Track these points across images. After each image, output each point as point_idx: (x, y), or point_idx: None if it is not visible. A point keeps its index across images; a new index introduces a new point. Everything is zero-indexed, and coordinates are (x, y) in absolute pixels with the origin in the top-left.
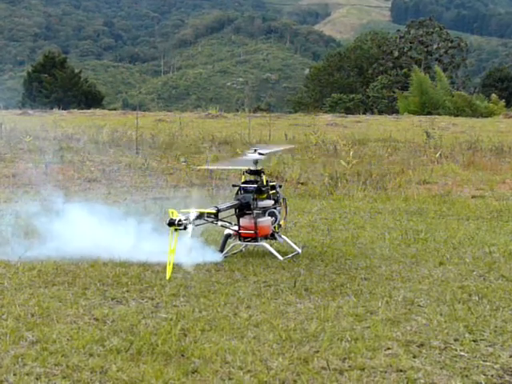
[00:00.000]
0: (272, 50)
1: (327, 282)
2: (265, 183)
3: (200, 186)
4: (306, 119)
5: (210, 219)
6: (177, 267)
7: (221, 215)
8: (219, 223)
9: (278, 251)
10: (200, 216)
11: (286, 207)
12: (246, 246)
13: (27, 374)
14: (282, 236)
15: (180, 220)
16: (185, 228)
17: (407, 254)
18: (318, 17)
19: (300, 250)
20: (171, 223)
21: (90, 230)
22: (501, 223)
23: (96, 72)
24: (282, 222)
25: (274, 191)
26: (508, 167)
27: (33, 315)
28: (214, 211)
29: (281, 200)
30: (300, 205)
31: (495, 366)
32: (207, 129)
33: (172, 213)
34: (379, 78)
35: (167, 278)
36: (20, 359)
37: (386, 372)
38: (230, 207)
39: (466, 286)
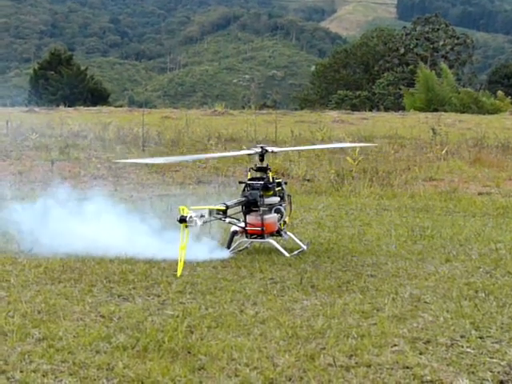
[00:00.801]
0: (278, 46)
1: (333, 278)
2: (271, 180)
3: (206, 183)
4: (312, 116)
5: (218, 216)
6: (185, 265)
7: (228, 212)
8: (227, 220)
9: (284, 248)
10: (210, 213)
11: (290, 204)
12: (251, 242)
13: (34, 371)
14: (288, 233)
15: (191, 217)
16: (195, 225)
17: (413, 251)
18: (324, 13)
19: (305, 247)
20: (182, 220)
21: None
22: (507, 220)
23: (102, 69)
24: (286, 219)
25: (279, 188)
26: None
27: (39, 312)
28: (223, 208)
29: (286, 197)
30: (306, 202)
31: (502, 363)
32: (213, 126)
33: (183, 209)
34: (385, 74)
35: (178, 274)
36: (27, 356)
37: (392, 369)
38: (238, 204)
39: (473, 282)
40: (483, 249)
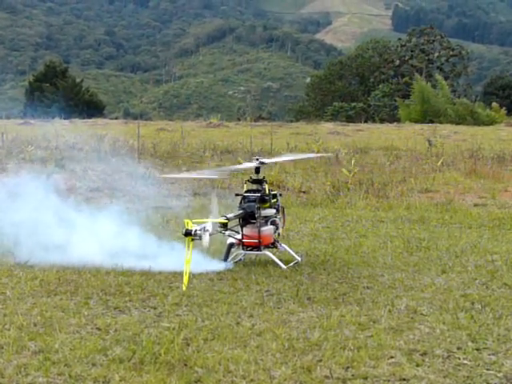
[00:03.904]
0: (273, 58)
1: (330, 290)
2: (267, 192)
3: (202, 195)
4: (307, 128)
5: (220, 229)
6: (180, 277)
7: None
8: (227, 233)
9: (280, 260)
10: (212, 226)
11: (284, 216)
12: (245, 254)
13: None
14: (283, 244)
15: (196, 230)
16: (200, 238)
17: (410, 263)
18: (319, 25)
19: (300, 259)
20: (188, 233)
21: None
22: (503, 231)
23: (97, 81)
24: (281, 231)
25: (275, 200)
26: (510, 175)
27: (35, 325)
28: (225, 221)
29: (280, 209)
30: (302, 213)
31: (498, 375)
32: (209, 138)
33: (187, 223)
34: (380, 86)
35: (184, 288)
36: (23, 369)
37: (389, 381)
38: (237, 216)
39: (469, 294)
40: (479, 260)
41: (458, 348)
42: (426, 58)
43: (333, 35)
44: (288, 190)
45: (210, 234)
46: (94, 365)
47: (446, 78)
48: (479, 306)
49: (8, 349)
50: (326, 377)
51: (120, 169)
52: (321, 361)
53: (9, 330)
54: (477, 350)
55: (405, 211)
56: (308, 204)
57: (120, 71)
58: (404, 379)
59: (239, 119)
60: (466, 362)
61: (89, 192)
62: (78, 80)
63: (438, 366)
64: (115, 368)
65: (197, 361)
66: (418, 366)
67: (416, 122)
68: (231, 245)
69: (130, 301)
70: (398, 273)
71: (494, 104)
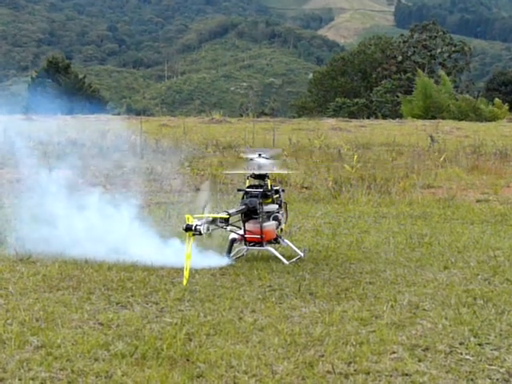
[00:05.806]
0: (275, 54)
1: (332, 286)
2: (269, 188)
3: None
4: (309, 124)
5: (221, 224)
6: (182, 272)
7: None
8: (229, 228)
9: (283, 255)
10: (213, 221)
11: (286, 211)
12: (247, 250)
13: (32, 379)
14: (285, 240)
15: (196, 225)
16: (200, 233)
17: (412, 258)
18: (322, 21)
19: (302, 254)
20: (188, 228)
21: None
22: (505, 227)
23: (100, 77)
24: (283, 226)
25: (277, 195)
26: None
27: (37, 320)
28: (226, 216)
29: (283, 204)
30: (304, 209)
31: (501, 370)
32: (211, 133)
33: (188, 218)
34: (383, 82)
35: (184, 283)
36: (25, 364)
37: (391, 376)
38: (239, 212)
39: (471, 289)
40: (481, 256)
41: (461, 343)
42: (429, 53)
43: (335, 31)
44: (290, 185)
45: (211, 230)
46: (96, 360)
47: (448, 74)
48: (481, 302)
49: (10, 344)
50: (328, 372)
51: (122, 164)
52: (323, 356)
53: (11, 325)
54: (479, 345)
55: (407, 207)
56: (310, 200)
57: (122, 67)
58: (406, 374)
59: (241, 115)
60: (468, 357)
61: (91, 188)
62: (80, 76)
63: (440, 361)
64: (117, 363)
65: (199, 356)
66: (420, 361)
67: (418, 117)
68: (233, 240)
69: (132, 296)
70: (400, 268)
71: (497, 100)
